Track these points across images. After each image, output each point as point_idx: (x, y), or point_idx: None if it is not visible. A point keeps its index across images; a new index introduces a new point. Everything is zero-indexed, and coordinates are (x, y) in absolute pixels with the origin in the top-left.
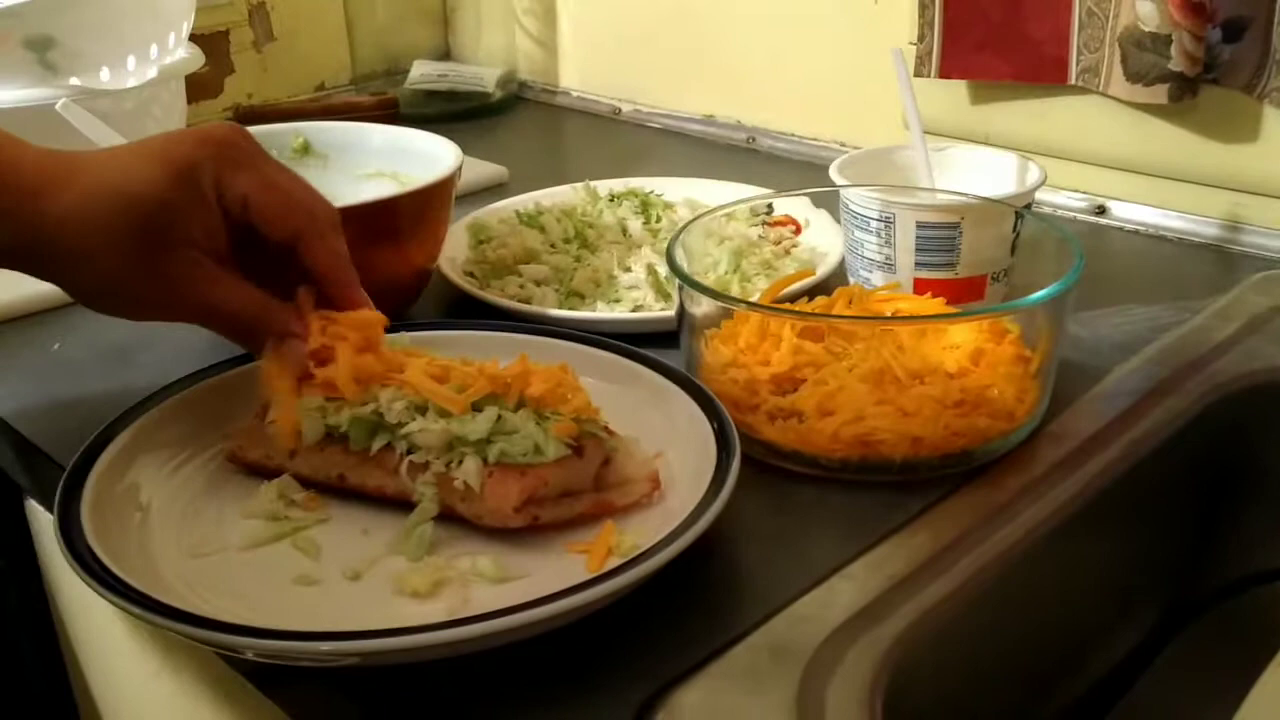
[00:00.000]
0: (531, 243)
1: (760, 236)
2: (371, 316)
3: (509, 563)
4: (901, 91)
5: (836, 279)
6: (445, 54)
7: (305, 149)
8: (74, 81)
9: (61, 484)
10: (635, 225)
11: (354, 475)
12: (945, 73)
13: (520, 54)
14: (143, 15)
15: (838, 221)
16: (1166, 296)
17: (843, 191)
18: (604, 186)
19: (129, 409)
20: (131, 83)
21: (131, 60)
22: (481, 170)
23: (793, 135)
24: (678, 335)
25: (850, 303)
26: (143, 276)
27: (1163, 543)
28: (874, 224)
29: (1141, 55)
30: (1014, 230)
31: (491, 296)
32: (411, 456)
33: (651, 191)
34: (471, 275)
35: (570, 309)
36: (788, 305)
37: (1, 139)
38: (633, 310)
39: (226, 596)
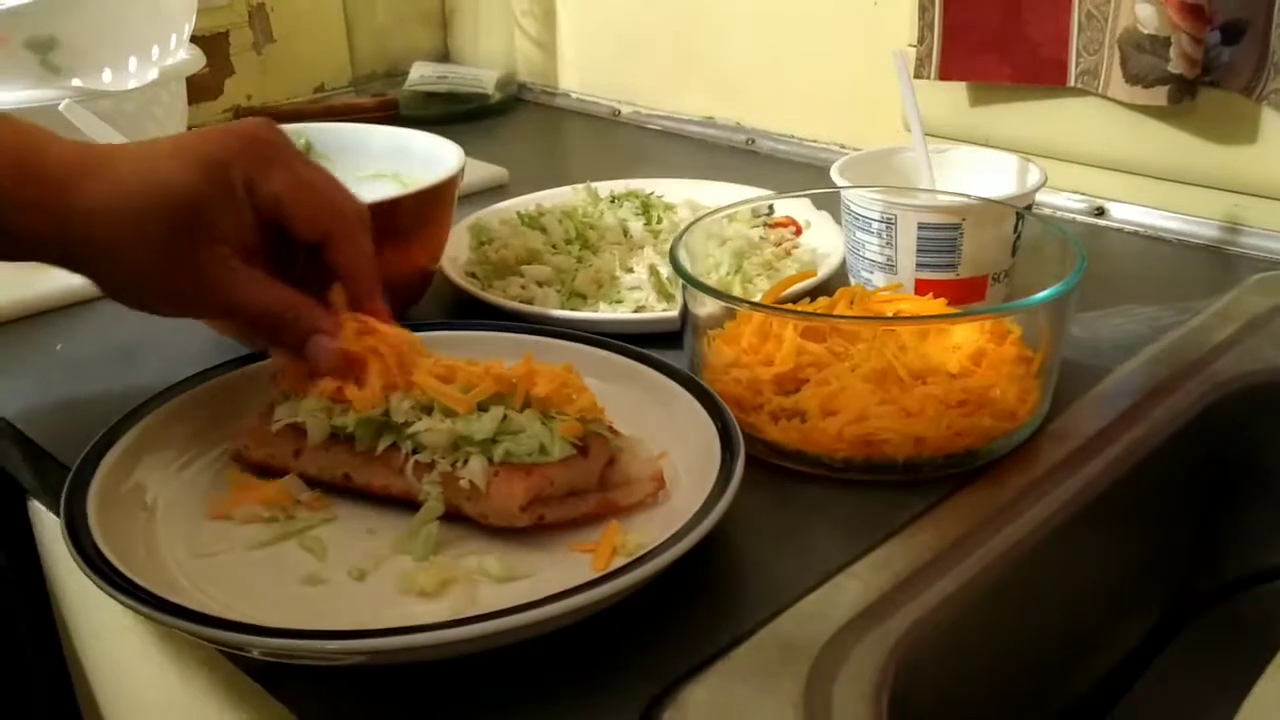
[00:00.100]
0: (533, 244)
1: (761, 238)
2: (410, 337)
3: (515, 562)
4: (902, 93)
5: (838, 280)
6: (444, 56)
7: (307, 150)
8: (76, 83)
9: (67, 484)
10: (636, 226)
11: (360, 475)
12: (945, 74)
13: (519, 56)
14: (144, 17)
15: (838, 223)
16: (1166, 297)
17: (844, 193)
18: (604, 188)
19: (134, 409)
20: (133, 84)
21: (133, 61)
22: (482, 172)
23: (793, 137)
24: (680, 336)
25: (852, 303)
26: (170, 270)
27: (1163, 542)
28: (875, 225)
29: (1141, 57)
30: (1015, 231)
31: (494, 297)
32: (417, 456)
33: (652, 193)
34: (473, 276)
35: (572, 309)
36: (791, 305)
37: (30, 130)
38: (635, 311)
39: (233, 596)
